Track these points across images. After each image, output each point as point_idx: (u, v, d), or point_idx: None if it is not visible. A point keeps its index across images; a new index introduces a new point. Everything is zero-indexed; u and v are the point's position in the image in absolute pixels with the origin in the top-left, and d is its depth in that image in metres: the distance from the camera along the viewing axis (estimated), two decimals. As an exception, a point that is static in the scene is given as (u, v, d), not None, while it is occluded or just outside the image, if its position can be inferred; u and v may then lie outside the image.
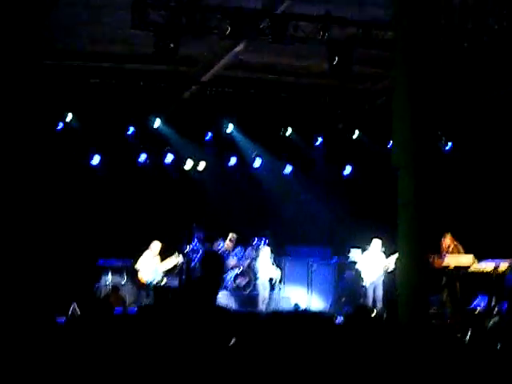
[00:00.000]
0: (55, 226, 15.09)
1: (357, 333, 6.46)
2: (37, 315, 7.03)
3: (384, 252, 14.49)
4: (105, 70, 14.28)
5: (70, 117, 15.11)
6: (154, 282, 14.02)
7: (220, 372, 5.45)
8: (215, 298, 7.30)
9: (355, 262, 15.08)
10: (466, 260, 14.38)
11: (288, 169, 17.54)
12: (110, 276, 14.61)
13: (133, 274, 14.47)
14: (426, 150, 7.48)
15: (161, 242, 14.73)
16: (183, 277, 14.98)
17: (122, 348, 6.03)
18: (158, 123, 15.80)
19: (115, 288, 13.69)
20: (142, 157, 16.26)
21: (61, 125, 15.21)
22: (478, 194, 16.55)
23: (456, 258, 14.47)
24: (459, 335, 7.73)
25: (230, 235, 15.75)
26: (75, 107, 15.04)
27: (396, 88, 7.75)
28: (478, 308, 14.28)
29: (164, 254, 14.61)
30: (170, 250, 14.77)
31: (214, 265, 8.17)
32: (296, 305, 15.14)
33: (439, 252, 14.49)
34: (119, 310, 11.29)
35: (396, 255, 7.53)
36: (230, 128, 16.32)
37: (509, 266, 14.10)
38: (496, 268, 14.06)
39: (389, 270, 14.28)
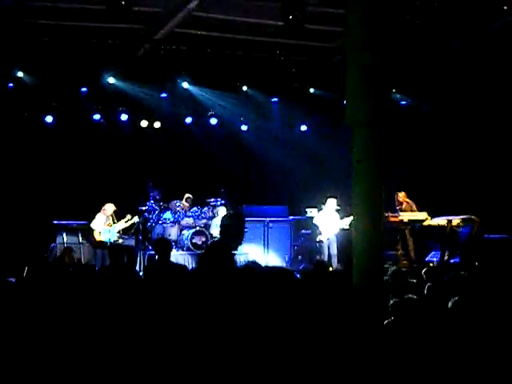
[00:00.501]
0: (9, 185, 14.94)
1: (315, 288, 6.52)
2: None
3: (338, 211, 14.61)
4: (56, 28, 14.01)
5: (21, 74, 14.83)
6: (111, 241, 13.96)
7: (178, 334, 5.46)
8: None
9: (311, 218, 15.16)
10: (420, 216, 14.67)
11: (244, 127, 17.54)
12: (64, 236, 14.54)
13: (88, 234, 14.40)
14: (381, 106, 7.49)
15: (117, 201, 14.65)
16: (139, 236, 14.99)
17: (76, 308, 6.02)
18: (112, 81, 15.59)
19: (69, 248, 13.61)
20: (97, 116, 16.10)
21: (12, 83, 14.95)
22: (431, 151, 16.75)
23: (410, 215, 14.73)
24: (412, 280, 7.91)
25: (186, 195, 15.75)
26: (27, 66, 14.76)
27: (349, 44, 7.71)
28: (432, 263, 14.58)
29: (119, 214, 14.54)
30: (126, 209, 14.71)
31: (166, 248, 8.29)
32: (254, 262, 15.21)
33: (393, 209, 14.71)
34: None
35: (351, 217, 7.58)
36: (185, 85, 16.18)
37: (461, 220, 14.39)
38: (449, 222, 14.34)
39: (344, 228, 14.41)
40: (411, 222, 14.70)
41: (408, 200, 15.04)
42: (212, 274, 5.75)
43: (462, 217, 14.42)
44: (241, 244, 13.95)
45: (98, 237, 14.07)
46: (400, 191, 15.07)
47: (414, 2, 12.13)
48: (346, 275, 7.19)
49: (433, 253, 15.07)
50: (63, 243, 14.31)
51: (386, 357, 5.27)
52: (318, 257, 14.78)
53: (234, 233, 12.92)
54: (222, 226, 13.82)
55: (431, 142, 16.72)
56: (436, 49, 15.27)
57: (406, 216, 14.65)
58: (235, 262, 6.29)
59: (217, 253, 5.94)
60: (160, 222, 15.30)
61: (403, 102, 17.08)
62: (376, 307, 6.48)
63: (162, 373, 4.97)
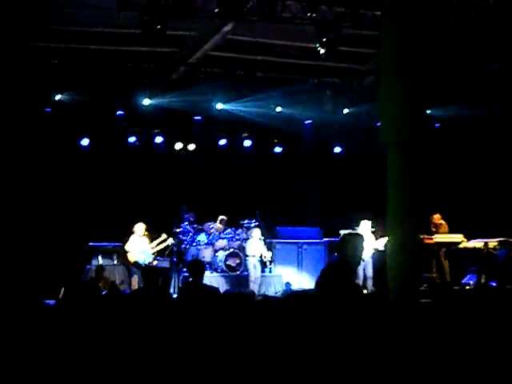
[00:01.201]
0: (46, 207, 15.08)
1: (349, 311, 6.48)
2: (25, 298, 7.03)
3: (374, 233, 14.50)
4: (92, 52, 14.18)
5: (58, 98, 15.01)
6: (145, 263, 14.02)
7: (210, 355, 5.45)
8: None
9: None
10: (455, 238, 14.53)
11: (278, 149, 17.56)
12: (100, 258, 14.65)
13: (123, 255, 14.47)
14: (415, 128, 7.46)
15: (152, 223, 14.71)
16: (174, 258, 15.02)
17: (109, 330, 6.04)
18: (147, 103, 15.71)
19: (101, 269, 13.69)
20: (132, 138, 16.22)
21: (50, 108, 15.14)
22: (467, 173, 16.61)
23: (445, 237, 14.60)
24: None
25: (220, 217, 15.77)
26: (64, 89, 14.94)
27: (384, 66, 7.70)
28: (468, 285, 14.41)
29: (153, 236, 14.59)
30: (161, 231, 14.76)
31: (199, 270, 8.34)
32: (287, 283, 15.20)
33: (428, 231, 14.59)
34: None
35: (385, 238, 7.54)
36: (219, 107, 16.25)
37: (498, 243, 14.21)
38: (485, 245, 14.17)
39: (379, 249, 14.29)
40: (446, 244, 14.58)
41: (443, 222, 14.93)
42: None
43: (498, 239, 14.24)
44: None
45: (132, 258, 14.13)
46: (435, 213, 14.95)
47: (450, 23, 12.08)
48: (380, 298, 7.15)
49: (469, 276, 14.90)
50: (98, 265, 14.39)
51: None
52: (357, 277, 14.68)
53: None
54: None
55: (468, 162, 16.59)
56: (474, 69, 15.19)
57: (440, 238, 14.53)
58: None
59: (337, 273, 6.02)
60: (194, 243, 15.34)
61: (437, 124, 16.98)
62: (411, 328, 6.42)
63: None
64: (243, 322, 5.81)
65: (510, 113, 15.33)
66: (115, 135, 16.02)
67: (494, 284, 13.85)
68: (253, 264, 14.68)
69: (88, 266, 14.58)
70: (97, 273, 13.30)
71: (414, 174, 7.37)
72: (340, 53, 13.01)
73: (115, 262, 14.82)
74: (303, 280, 15.77)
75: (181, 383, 5.17)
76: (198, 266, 8.69)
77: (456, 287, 14.12)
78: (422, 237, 13.70)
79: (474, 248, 14.39)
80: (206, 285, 8.76)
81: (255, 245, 14.83)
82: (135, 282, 13.96)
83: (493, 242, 14.23)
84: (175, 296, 11.11)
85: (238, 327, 5.71)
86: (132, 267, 14.16)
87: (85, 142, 15.78)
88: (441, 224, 14.90)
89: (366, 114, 15.79)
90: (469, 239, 14.49)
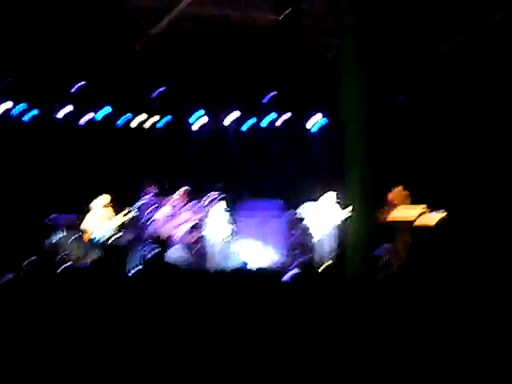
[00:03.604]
0: (7, 182, 14.95)
1: (304, 289, 6.52)
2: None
3: (338, 204, 14.54)
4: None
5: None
6: (106, 237, 13.94)
7: (171, 331, 5.45)
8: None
9: (308, 213, 15.13)
10: (414, 212, 14.45)
11: (241, 122, 17.55)
12: (61, 232, 14.50)
13: (84, 230, 14.37)
14: (375, 103, 7.49)
15: (114, 196, 14.62)
16: (136, 232, 14.94)
17: (67, 305, 6.01)
18: (110, 76, 15.57)
19: (60, 243, 13.60)
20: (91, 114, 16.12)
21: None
22: (428, 144, 16.74)
23: (404, 211, 14.56)
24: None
25: (183, 188, 15.70)
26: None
27: (345, 41, 7.71)
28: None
29: (116, 208, 14.50)
30: (123, 204, 14.68)
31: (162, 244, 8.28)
32: (244, 262, 15.21)
33: (387, 204, 14.63)
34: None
35: (348, 209, 7.58)
36: (181, 80, 16.17)
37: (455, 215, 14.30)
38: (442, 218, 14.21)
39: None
40: (405, 218, 14.58)
41: (404, 194, 14.89)
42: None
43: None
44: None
45: (92, 232, 14.02)
46: (398, 185, 14.97)
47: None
48: (339, 268, 7.20)
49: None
50: (57, 239, 14.26)
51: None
52: (314, 252, 14.77)
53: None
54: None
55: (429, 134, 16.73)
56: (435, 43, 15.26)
57: (399, 214, 14.50)
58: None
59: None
60: (157, 216, 15.26)
61: (400, 97, 17.05)
62: (368, 302, 6.48)
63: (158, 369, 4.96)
64: (204, 296, 5.81)
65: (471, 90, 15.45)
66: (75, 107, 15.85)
67: None
68: (216, 237, 14.67)
69: (47, 241, 14.45)
70: (56, 247, 13.18)
71: (373, 148, 7.41)
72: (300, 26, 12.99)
73: (76, 235, 14.69)
74: (265, 252, 15.82)
75: (140, 361, 5.17)
76: (161, 240, 8.67)
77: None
78: (382, 210, 13.79)
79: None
80: (167, 259, 8.76)
81: (218, 218, 14.80)
82: (95, 256, 13.86)
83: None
84: (136, 270, 11.07)
85: (199, 302, 5.71)
86: (92, 242, 14.05)
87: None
88: (402, 197, 14.89)
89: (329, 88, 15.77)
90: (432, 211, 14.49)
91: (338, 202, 14.54)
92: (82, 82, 15.66)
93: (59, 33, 14.06)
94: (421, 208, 14.47)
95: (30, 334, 5.59)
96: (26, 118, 15.52)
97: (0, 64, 14.27)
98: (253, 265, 15.00)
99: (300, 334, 5.13)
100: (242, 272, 5.30)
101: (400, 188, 14.90)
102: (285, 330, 4.98)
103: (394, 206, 14.71)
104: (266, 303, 5.01)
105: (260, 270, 6.18)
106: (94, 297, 6.13)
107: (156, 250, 8.39)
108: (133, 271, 8.55)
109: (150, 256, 8.68)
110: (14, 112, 15.40)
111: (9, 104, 15.27)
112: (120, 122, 16.55)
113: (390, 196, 14.76)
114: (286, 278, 6.89)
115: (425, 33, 14.60)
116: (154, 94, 16.53)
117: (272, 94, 17.20)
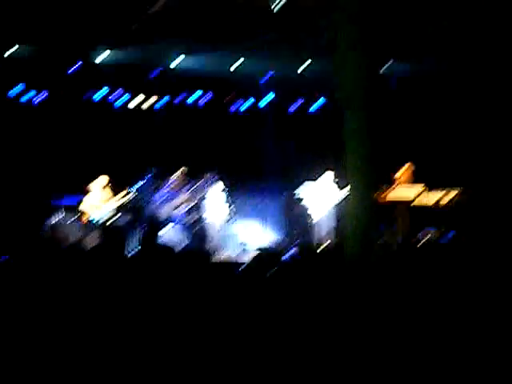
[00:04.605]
0: (5, 165, 14.91)
1: (303, 269, 6.51)
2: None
3: (337, 183, 14.50)
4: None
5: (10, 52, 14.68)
6: (104, 219, 13.91)
7: (168, 315, 5.44)
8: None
9: (308, 192, 15.10)
10: (412, 191, 14.35)
11: (238, 105, 17.50)
12: (61, 214, 14.46)
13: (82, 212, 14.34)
14: (373, 86, 7.45)
15: (113, 178, 14.57)
16: (134, 214, 14.92)
17: (65, 287, 6.00)
18: (103, 56, 15.47)
19: (59, 225, 13.56)
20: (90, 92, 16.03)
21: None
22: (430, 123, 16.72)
23: (403, 191, 14.46)
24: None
25: (181, 169, 15.67)
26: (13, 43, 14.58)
27: (341, 24, 7.67)
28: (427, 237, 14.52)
29: (115, 190, 14.46)
30: (120, 186, 14.64)
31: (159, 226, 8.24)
32: (243, 243, 15.21)
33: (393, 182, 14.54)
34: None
35: (347, 189, 7.54)
36: (178, 62, 16.09)
37: (456, 195, 14.25)
38: (442, 198, 14.16)
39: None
40: (404, 198, 14.54)
41: (409, 172, 14.76)
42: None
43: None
44: None
45: (88, 216, 13.99)
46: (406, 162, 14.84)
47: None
48: (338, 249, 7.17)
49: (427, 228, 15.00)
50: (56, 221, 14.23)
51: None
52: (312, 233, 14.76)
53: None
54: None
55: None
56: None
57: (399, 193, 14.43)
58: None
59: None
60: (155, 198, 15.25)
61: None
62: (367, 283, 6.47)
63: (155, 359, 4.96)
64: (200, 281, 5.79)
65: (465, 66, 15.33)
66: (73, 89, 15.76)
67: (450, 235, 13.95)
68: (215, 218, 14.65)
69: (48, 222, 14.43)
70: (54, 229, 13.15)
71: (371, 128, 7.37)
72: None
73: (76, 217, 14.65)
74: (265, 233, 15.83)
75: (135, 344, 5.17)
76: (158, 222, 8.65)
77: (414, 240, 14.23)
78: (381, 190, 13.74)
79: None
80: (164, 242, 8.74)
81: (216, 200, 14.77)
82: (94, 239, 13.85)
83: (450, 195, 14.21)
84: (134, 252, 11.06)
85: (194, 286, 5.69)
86: (90, 224, 14.05)
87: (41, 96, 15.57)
88: (407, 175, 14.77)
89: (327, 68, 15.66)
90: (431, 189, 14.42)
91: (336, 182, 14.49)
92: (79, 63, 15.54)
93: (53, 12, 13.93)
94: (420, 187, 14.40)
95: (28, 316, 5.59)
96: (23, 99, 15.43)
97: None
98: (252, 245, 15.04)
99: (298, 316, 5.13)
100: (239, 254, 5.27)
101: (408, 166, 14.71)
102: (282, 312, 4.97)
103: (400, 184, 14.59)
104: (264, 284, 5.01)
105: (259, 250, 6.16)
106: (92, 280, 6.12)
107: (155, 232, 8.35)
108: (132, 253, 8.60)
109: (148, 238, 8.65)
110: (12, 93, 15.31)
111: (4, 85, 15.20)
112: (117, 103, 16.46)
113: (398, 174, 14.65)
114: (285, 257, 6.87)
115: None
116: (152, 75, 16.43)
117: (270, 74, 17.11)
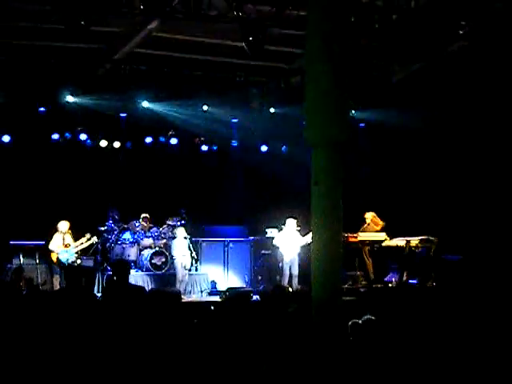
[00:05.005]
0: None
1: (273, 309, 6.52)
2: None
3: (299, 231, 14.59)
4: (15, 47, 13.88)
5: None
6: (69, 262, 13.79)
7: (136, 354, 5.40)
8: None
9: (271, 239, 15.15)
10: (378, 237, 14.78)
11: (204, 147, 17.53)
12: (21, 257, 14.30)
13: (45, 254, 14.18)
14: (340, 128, 7.51)
15: (76, 221, 14.47)
16: (98, 257, 14.83)
17: (29, 330, 5.93)
18: (70, 99, 15.48)
19: (21, 269, 13.38)
20: (55, 135, 15.96)
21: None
22: (390, 171, 16.90)
23: (368, 235, 14.84)
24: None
25: (143, 215, 15.67)
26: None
27: (309, 66, 7.73)
28: (391, 283, 14.67)
29: (77, 234, 14.36)
30: (85, 229, 14.54)
31: (124, 269, 8.20)
32: (213, 282, 15.25)
33: (358, 229, 14.83)
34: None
35: (310, 236, 7.58)
36: (145, 105, 16.16)
37: (420, 241, 14.52)
38: (407, 243, 14.47)
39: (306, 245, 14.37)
40: (370, 242, 14.82)
41: (377, 220, 15.07)
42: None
43: (420, 238, 14.55)
44: None
45: (55, 257, 13.89)
46: (369, 211, 15.14)
47: (373, 26, 12.27)
48: (305, 295, 7.19)
49: (391, 274, 15.18)
50: (18, 265, 14.06)
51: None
52: (278, 277, 14.78)
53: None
54: None
55: (391, 161, 16.88)
56: (397, 70, 15.47)
57: (364, 236, 14.76)
58: None
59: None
60: (119, 242, 15.20)
61: (362, 125, 17.26)
62: (335, 325, 6.48)
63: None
64: (170, 321, 5.76)
65: (431, 116, 15.58)
66: (38, 132, 15.69)
67: (415, 282, 14.15)
68: (179, 263, 14.59)
69: (9, 266, 14.26)
70: (16, 273, 12.98)
71: (338, 172, 7.43)
72: (267, 52, 13.05)
73: (37, 260, 14.48)
74: (229, 278, 15.84)
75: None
76: (123, 265, 8.58)
77: (379, 285, 14.38)
78: (346, 235, 13.91)
79: (397, 246, 14.69)
80: (130, 284, 8.68)
81: (180, 244, 14.74)
82: (57, 281, 13.73)
83: (414, 241, 14.54)
84: (99, 295, 10.97)
85: (163, 326, 5.66)
86: (54, 266, 13.94)
87: (6, 138, 15.49)
88: (372, 222, 15.09)
89: (293, 113, 15.88)
90: (392, 237, 14.76)
91: (298, 230, 14.57)
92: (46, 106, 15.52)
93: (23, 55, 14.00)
94: (383, 234, 14.74)
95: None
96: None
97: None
98: (220, 286, 15.06)
99: (268, 359, 5.13)
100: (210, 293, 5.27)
101: (371, 213, 15.11)
102: (252, 352, 4.96)
103: (366, 228, 14.95)
104: (236, 323, 5.00)
105: (229, 291, 6.15)
106: (60, 322, 6.06)
107: (119, 275, 8.27)
108: (99, 294, 8.48)
109: (114, 280, 8.56)
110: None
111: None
112: (81, 147, 16.41)
113: (367, 219, 15.01)
114: (254, 298, 6.87)
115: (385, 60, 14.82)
116: (118, 119, 16.45)
117: (236, 119, 17.26)
